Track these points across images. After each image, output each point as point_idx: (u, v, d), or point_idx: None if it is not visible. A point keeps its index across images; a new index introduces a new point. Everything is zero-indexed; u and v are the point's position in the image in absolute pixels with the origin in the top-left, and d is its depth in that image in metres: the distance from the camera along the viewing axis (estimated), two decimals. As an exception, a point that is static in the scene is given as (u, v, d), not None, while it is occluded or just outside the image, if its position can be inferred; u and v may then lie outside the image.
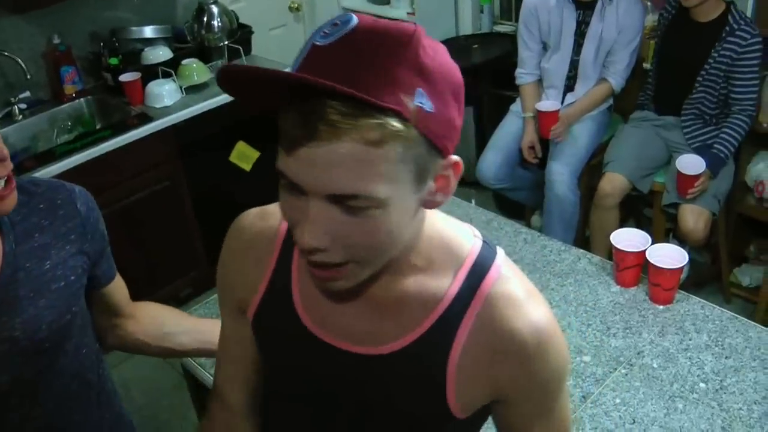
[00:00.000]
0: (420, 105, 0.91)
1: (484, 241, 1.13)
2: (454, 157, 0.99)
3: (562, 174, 3.71)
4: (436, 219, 1.11)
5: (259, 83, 0.90)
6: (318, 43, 0.92)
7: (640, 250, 2.25)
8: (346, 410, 1.20)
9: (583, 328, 2.14)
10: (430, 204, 1.01)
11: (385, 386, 1.14)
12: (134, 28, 4.07)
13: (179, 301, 4.04)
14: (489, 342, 1.08)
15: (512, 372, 1.09)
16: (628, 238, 2.30)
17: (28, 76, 3.65)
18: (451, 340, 1.09)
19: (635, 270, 2.29)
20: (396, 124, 0.88)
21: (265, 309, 1.22)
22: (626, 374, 1.97)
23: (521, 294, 1.09)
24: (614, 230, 3.43)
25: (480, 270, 1.10)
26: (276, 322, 1.21)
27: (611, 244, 2.29)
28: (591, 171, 3.87)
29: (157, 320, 1.78)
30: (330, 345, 1.15)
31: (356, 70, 0.89)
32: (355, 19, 0.92)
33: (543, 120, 3.77)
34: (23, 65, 3.61)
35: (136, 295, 1.73)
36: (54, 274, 1.46)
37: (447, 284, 1.09)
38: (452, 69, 0.96)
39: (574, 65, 3.81)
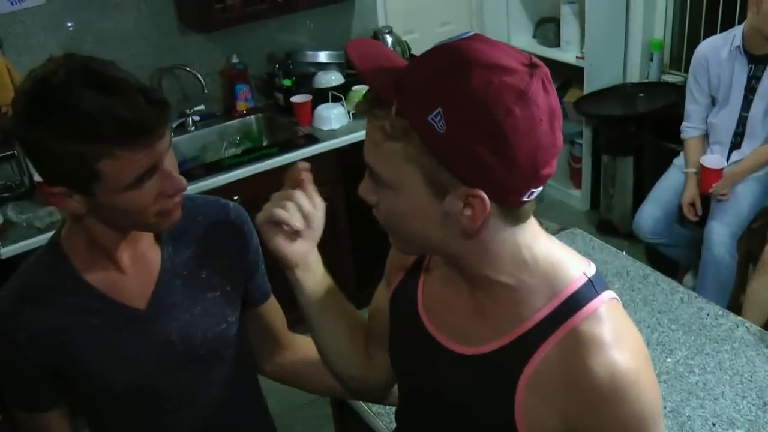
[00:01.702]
0: (432, 122, 1.01)
1: (589, 279, 1.17)
2: (479, 192, 1.04)
3: (721, 235, 3.59)
4: (541, 247, 1.17)
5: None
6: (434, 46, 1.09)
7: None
8: (431, 400, 1.32)
9: (737, 400, 2.06)
10: (462, 225, 1.09)
11: (464, 388, 1.24)
12: (309, 52, 4.22)
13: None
14: (563, 375, 1.12)
15: (583, 409, 1.13)
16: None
17: (205, 91, 3.84)
18: (528, 358, 1.15)
19: (797, 345, 2.20)
20: (395, 125, 1.04)
21: (400, 289, 1.38)
22: (780, 453, 1.89)
23: (608, 336, 1.12)
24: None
25: (575, 304, 1.14)
26: (400, 306, 1.38)
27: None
28: (752, 235, 3.73)
29: (315, 356, 1.80)
30: (430, 334, 1.29)
31: (410, 72, 1.06)
32: (468, 35, 1.08)
33: (706, 176, 3.67)
34: (202, 80, 3.82)
35: (287, 311, 1.77)
36: (210, 282, 1.53)
37: (537, 307, 1.15)
38: (494, 107, 0.99)
39: (742, 122, 3.69)
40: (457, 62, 1.02)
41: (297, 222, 1.29)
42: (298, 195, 1.30)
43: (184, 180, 1.35)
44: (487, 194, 1.05)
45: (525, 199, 1.09)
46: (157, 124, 1.26)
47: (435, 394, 1.30)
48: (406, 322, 1.34)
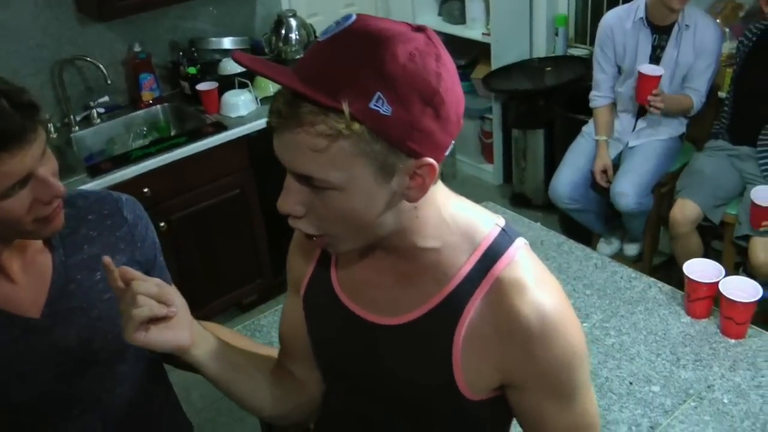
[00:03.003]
0: (376, 108, 1.00)
1: (502, 229, 1.21)
2: (428, 160, 1.06)
3: (627, 195, 3.68)
4: (454, 205, 1.20)
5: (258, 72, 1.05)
6: (319, 40, 1.06)
7: (713, 281, 2.21)
8: (370, 382, 1.32)
9: (652, 358, 2.10)
10: (407, 198, 1.10)
11: (399, 357, 1.25)
12: (213, 39, 4.15)
13: (243, 307, 4.09)
14: (495, 323, 1.16)
15: (517, 354, 1.16)
16: (701, 269, 2.26)
17: (108, 82, 3.73)
18: (458, 317, 1.17)
19: (707, 301, 2.24)
20: (340, 123, 1.00)
21: (312, 284, 1.36)
22: (696, 407, 1.93)
23: (530, 280, 1.16)
24: (699, 253, 3.40)
25: (494, 254, 1.18)
26: (318, 298, 1.35)
27: (684, 273, 2.25)
28: (661, 198, 3.82)
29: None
30: (356, 315, 1.28)
31: (325, 69, 1.02)
32: (352, 19, 1.05)
33: (643, 84, 3.56)
34: (104, 71, 3.70)
35: (201, 299, 1.74)
36: (105, 284, 1.44)
37: (460, 264, 1.18)
38: (426, 76, 1.03)
39: (648, 90, 3.76)
40: (373, 44, 1.01)
41: (159, 309, 1.22)
42: (135, 286, 1.21)
43: (61, 186, 1.28)
44: (434, 159, 1.07)
45: (446, 154, 1.11)
46: (24, 130, 1.19)
47: (376, 377, 1.29)
48: (329, 313, 1.32)
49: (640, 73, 3.55)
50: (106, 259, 1.24)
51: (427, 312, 1.20)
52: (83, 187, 3.05)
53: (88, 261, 1.46)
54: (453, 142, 1.10)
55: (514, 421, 1.34)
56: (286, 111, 1.02)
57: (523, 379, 1.20)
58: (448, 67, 1.06)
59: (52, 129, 3.67)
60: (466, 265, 1.18)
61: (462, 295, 1.17)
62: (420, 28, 1.06)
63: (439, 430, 1.31)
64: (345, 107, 0.99)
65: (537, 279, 1.17)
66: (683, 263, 3.35)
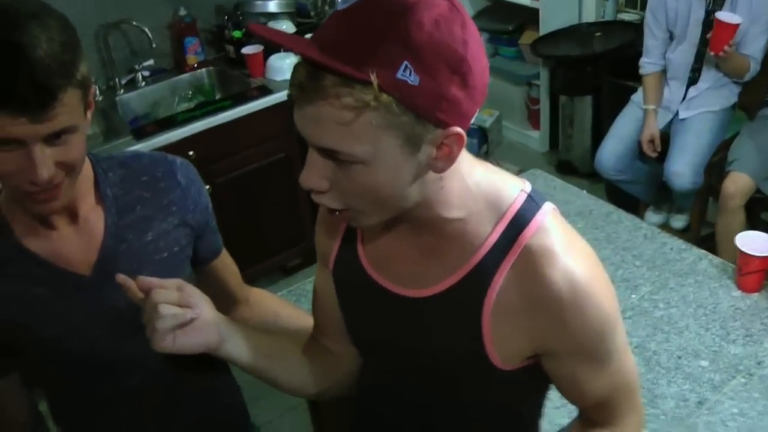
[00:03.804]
0: (403, 78, 0.96)
1: (529, 195, 1.18)
2: (456, 129, 1.03)
3: (682, 176, 3.61)
4: (479, 173, 1.17)
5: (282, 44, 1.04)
6: (339, 8, 1.01)
7: (765, 254, 2.16)
8: (400, 355, 1.31)
9: (701, 332, 2.07)
10: (433, 168, 1.07)
11: (428, 329, 1.24)
12: (258, 2, 4.12)
13: (286, 271, 4.11)
14: (525, 291, 1.14)
15: (548, 322, 1.14)
16: (753, 242, 2.21)
17: (153, 45, 3.74)
18: (487, 287, 1.15)
19: (759, 275, 2.20)
20: (368, 95, 0.96)
21: (339, 258, 1.34)
22: (745, 384, 1.89)
23: (559, 247, 1.13)
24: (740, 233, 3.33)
25: (521, 222, 1.15)
26: (346, 273, 1.34)
27: (736, 246, 2.20)
28: (711, 168, 3.74)
29: (271, 310, 1.79)
30: (384, 288, 1.26)
31: (348, 39, 0.98)
32: None
33: (720, 32, 3.36)
34: (149, 35, 3.70)
35: (245, 263, 1.74)
36: (156, 245, 1.48)
37: (486, 233, 1.16)
38: (452, 43, 0.99)
39: (700, 57, 3.67)
40: (397, 12, 0.97)
41: (182, 316, 1.22)
42: (155, 295, 1.22)
43: (44, 174, 1.22)
44: (461, 128, 1.04)
45: (471, 122, 1.08)
46: (27, 103, 1.16)
47: (406, 350, 1.28)
48: (358, 288, 1.31)
49: (716, 20, 3.35)
50: (120, 277, 1.25)
51: (455, 283, 1.18)
52: (130, 149, 3.06)
53: (139, 222, 1.47)
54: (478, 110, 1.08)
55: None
56: (308, 83, 0.98)
57: (555, 347, 1.18)
58: (473, 34, 1.02)
59: (98, 93, 3.69)
60: (492, 234, 1.15)
61: (490, 265, 1.15)
62: None
63: (472, 401, 1.30)
64: (373, 78, 0.95)
65: (566, 245, 1.14)
66: (723, 238, 3.29)
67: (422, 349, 1.26)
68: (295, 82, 1.00)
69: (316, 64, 0.97)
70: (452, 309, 1.19)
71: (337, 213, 1.11)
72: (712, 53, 3.43)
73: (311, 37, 1.03)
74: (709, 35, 3.43)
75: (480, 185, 1.16)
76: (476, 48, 1.02)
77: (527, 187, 1.20)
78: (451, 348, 1.22)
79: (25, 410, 1.59)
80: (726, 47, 3.33)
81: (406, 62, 0.96)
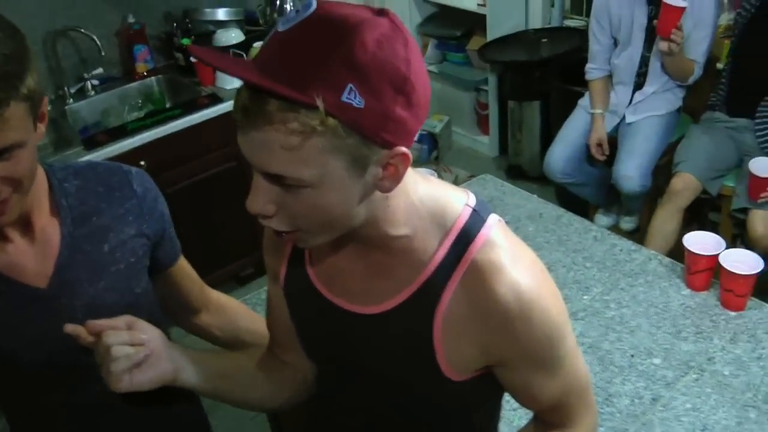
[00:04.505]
0: (348, 101, 0.96)
1: (473, 209, 1.18)
2: (401, 149, 1.03)
3: (631, 179, 3.67)
4: (422, 189, 1.17)
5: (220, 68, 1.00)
6: (279, 29, 1.00)
7: (713, 253, 2.21)
8: (354, 368, 1.32)
9: (653, 330, 2.11)
10: (380, 188, 1.07)
11: (380, 345, 1.24)
12: (207, 10, 4.10)
13: (240, 280, 4.09)
14: (474, 306, 1.14)
15: (498, 335, 1.15)
16: (701, 241, 2.26)
17: (102, 53, 3.71)
18: (436, 303, 1.16)
19: (707, 274, 2.25)
20: (314, 119, 0.95)
21: (289, 276, 1.34)
22: (697, 379, 1.94)
23: (505, 260, 1.14)
24: (672, 234, 3.40)
25: (467, 237, 1.16)
26: (297, 290, 1.33)
27: (684, 246, 2.25)
28: (659, 172, 3.81)
29: (230, 315, 1.80)
30: (334, 304, 1.26)
31: (290, 62, 0.96)
32: (312, 7, 0.99)
33: (667, 15, 3.38)
34: (98, 42, 3.67)
35: (199, 273, 1.74)
36: (113, 256, 1.47)
37: (433, 249, 1.16)
38: (396, 63, 0.99)
39: (645, 61, 3.75)
40: (339, 33, 0.96)
41: (136, 355, 1.24)
42: (106, 338, 1.24)
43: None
44: (406, 147, 1.03)
45: (414, 140, 1.08)
46: None
47: (359, 364, 1.29)
48: (309, 304, 1.31)
49: (663, 4, 3.36)
50: (68, 327, 1.26)
51: (405, 300, 1.18)
52: (81, 160, 3.02)
53: (95, 232, 1.45)
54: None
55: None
56: (252, 108, 0.96)
57: (507, 358, 1.19)
58: (415, 52, 1.01)
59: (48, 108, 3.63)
60: (440, 250, 1.16)
61: (438, 282, 1.16)
62: (382, 12, 1.01)
63: (426, 410, 1.31)
64: (319, 102, 0.94)
65: (512, 258, 1.15)
66: (655, 234, 3.35)
67: (375, 363, 1.27)
68: (238, 107, 0.98)
69: (260, 88, 0.95)
70: (403, 325, 1.20)
71: (284, 234, 1.11)
72: (659, 38, 3.46)
73: (254, 58, 1.01)
74: (655, 37, 3.51)
75: (424, 201, 1.16)
76: (418, 65, 1.02)
77: (471, 200, 1.20)
78: (403, 362, 1.23)
79: None
80: (674, 29, 3.38)
81: (350, 85, 0.95)
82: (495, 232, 1.17)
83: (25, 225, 1.40)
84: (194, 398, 1.76)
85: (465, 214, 1.17)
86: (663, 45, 3.44)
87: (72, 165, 1.50)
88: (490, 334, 1.15)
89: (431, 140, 5.20)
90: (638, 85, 3.83)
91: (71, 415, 1.53)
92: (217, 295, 1.80)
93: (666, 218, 3.52)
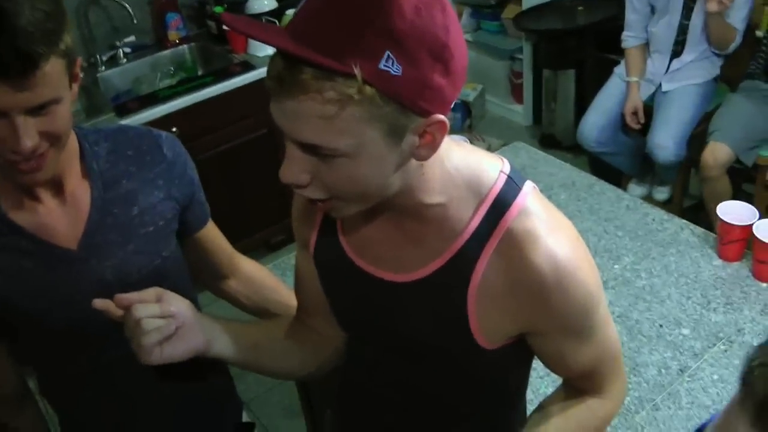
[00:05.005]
0: (386, 69, 0.93)
1: (508, 176, 1.16)
2: (439, 117, 1.01)
3: (666, 149, 3.62)
4: (457, 156, 1.15)
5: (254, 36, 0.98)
6: None
7: (746, 223, 2.18)
8: (386, 335, 1.30)
9: (683, 300, 2.09)
10: (416, 157, 1.05)
11: (413, 313, 1.23)
12: (239, -23, 4.09)
13: (270, 247, 4.11)
14: (508, 275, 1.13)
15: (533, 304, 1.14)
16: (734, 211, 2.22)
17: (134, 21, 3.71)
18: (470, 271, 1.15)
19: (740, 244, 2.21)
20: (350, 87, 0.93)
21: (319, 244, 1.33)
22: (726, 351, 1.92)
23: (541, 228, 1.12)
24: (728, 196, 3.33)
25: (502, 205, 1.14)
26: (327, 255, 1.32)
27: (717, 215, 2.22)
28: (694, 141, 3.75)
29: (258, 285, 1.80)
30: (366, 272, 1.25)
31: (326, 29, 0.94)
32: None
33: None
34: (130, 10, 3.68)
35: (229, 240, 1.75)
36: (142, 219, 1.48)
37: (468, 218, 1.14)
38: (434, 30, 0.96)
39: (683, 30, 3.68)
40: (371, 4, 0.93)
41: (166, 328, 1.22)
42: (135, 311, 1.21)
43: (27, 143, 1.22)
44: (443, 115, 1.02)
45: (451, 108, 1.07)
46: (8, 69, 1.15)
47: (391, 331, 1.28)
48: (340, 272, 1.30)
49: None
50: (97, 302, 1.24)
51: (439, 268, 1.17)
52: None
53: (125, 196, 1.47)
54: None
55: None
56: (287, 76, 0.94)
57: (540, 327, 1.19)
58: (453, 18, 0.99)
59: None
60: (474, 218, 1.14)
61: (472, 250, 1.14)
62: None
63: (457, 379, 1.31)
64: (356, 71, 0.92)
65: (548, 226, 1.13)
66: (712, 206, 3.30)
67: (407, 331, 1.26)
68: (272, 75, 0.96)
69: (295, 57, 0.93)
70: (436, 293, 1.19)
71: (319, 203, 1.10)
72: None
73: (287, 26, 0.99)
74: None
75: (459, 169, 1.14)
76: (456, 33, 1.00)
77: (506, 167, 1.18)
78: (435, 331, 1.22)
79: (13, 383, 1.59)
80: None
81: (388, 52, 0.93)
82: (531, 199, 1.15)
83: (57, 187, 1.41)
84: (222, 365, 1.78)
85: (500, 182, 1.15)
86: (712, 4, 3.35)
87: (103, 129, 1.52)
88: (524, 303, 1.14)
89: (464, 109, 5.16)
90: (676, 53, 3.76)
91: (99, 376, 1.56)
92: (246, 264, 1.81)
93: (714, 186, 3.47)
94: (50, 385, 1.63)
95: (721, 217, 2.20)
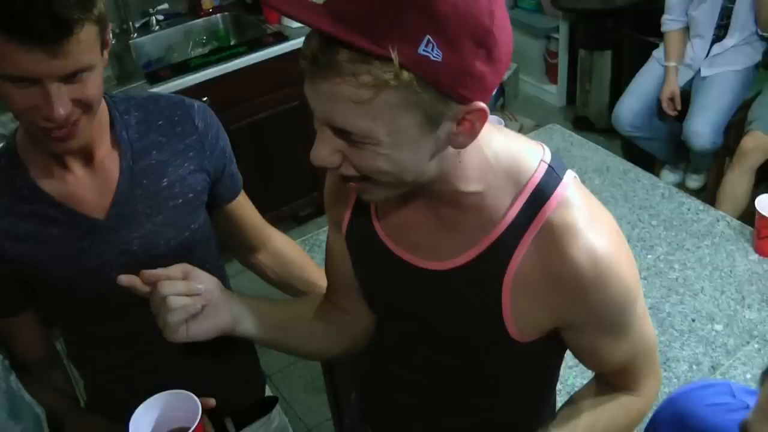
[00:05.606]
0: (425, 54, 0.90)
1: (549, 165, 1.12)
2: (479, 104, 0.97)
3: (702, 136, 3.56)
4: (497, 143, 1.11)
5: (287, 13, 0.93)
6: None
7: (786, 219, 2.13)
8: (416, 322, 1.28)
9: (716, 295, 2.05)
10: (453, 144, 1.02)
11: (446, 301, 1.20)
12: (276, -55, 4.04)
13: (298, 220, 4.10)
14: (545, 267, 1.10)
15: (570, 299, 1.11)
16: (774, 205, 2.17)
17: (168, -12, 3.69)
18: (507, 262, 1.12)
19: (778, 239, 2.17)
20: (387, 72, 0.89)
21: (352, 225, 1.31)
22: (759, 350, 1.87)
23: (582, 222, 1.09)
24: (743, 196, 3.27)
25: (542, 195, 1.10)
26: (360, 240, 1.30)
27: (755, 209, 2.16)
28: (731, 129, 3.68)
29: (287, 261, 1.78)
30: (399, 257, 1.22)
31: (365, 10, 0.89)
32: None
33: None
34: (164, -24, 3.66)
35: (257, 210, 1.74)
36: (171, 191, 1.47)
37: (506, 207, 1.11)
38: (478, 14, 0.92)
39: (726, 13, 3.60)
40: None
41: (192, 306, 1.20)
42: (161, 288, 1.20)
43: (61, 112, 1.21)
44: (483, 103, 0.98)
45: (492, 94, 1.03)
46: (42, 36, 1.14)
47: (422, 317, 1.26)
48: (373, 255, 1.27)
49: None
50: (123, 278, 1.23)
51: (473, 258, 1.14)
52: (143, 94, 3.04)
53: (155, 167, 1.45)
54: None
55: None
56: (322, 57, 0.90)
57: (576, 322, 1.16)
58: (499, 3, 0.95)
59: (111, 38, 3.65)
60: (512, 208, 1.11)
61: (509, 241, 1.11)
62: None
63: (488, 370, 1.29)
64: (394, 55, 0.88)
65: (588, 219, 1.09)
66: (726, 198, 3.23)
67: (439, 319, 1.24)
68: (307, 54, 0.93)
69: (332, 38, 0.90)
70: (471, 283, 1.16)
71: (352, 184, 1.07)
72: None
73: (325, 2, 0.94)
74: None
75: (499, 156, 1.10)
76: (502, 17, 0.95)
77: (547, 156, 1.14)
78: (468, 320, 1.19)
79: (42, 347, 1.59)
80: None
81: (428, 36, 0.89)
82: (571, 191, 1.11)
83: (86, 156, 1.40)
84: (247, 341, 1.77)
85: (540, 171, 1.11)
86: None
87: (134, 96, 1.50)
88: (561, 298, 1.11)
89: (498, 88, 5.10)
90: (718, 38, 3.68)
91: (126, 344, 1.56)
92: (277, 238, 1.79)
93: (737, 179, 3.41)
94: (77, 349, 1.64)
95: (760, 210, 2.15)
